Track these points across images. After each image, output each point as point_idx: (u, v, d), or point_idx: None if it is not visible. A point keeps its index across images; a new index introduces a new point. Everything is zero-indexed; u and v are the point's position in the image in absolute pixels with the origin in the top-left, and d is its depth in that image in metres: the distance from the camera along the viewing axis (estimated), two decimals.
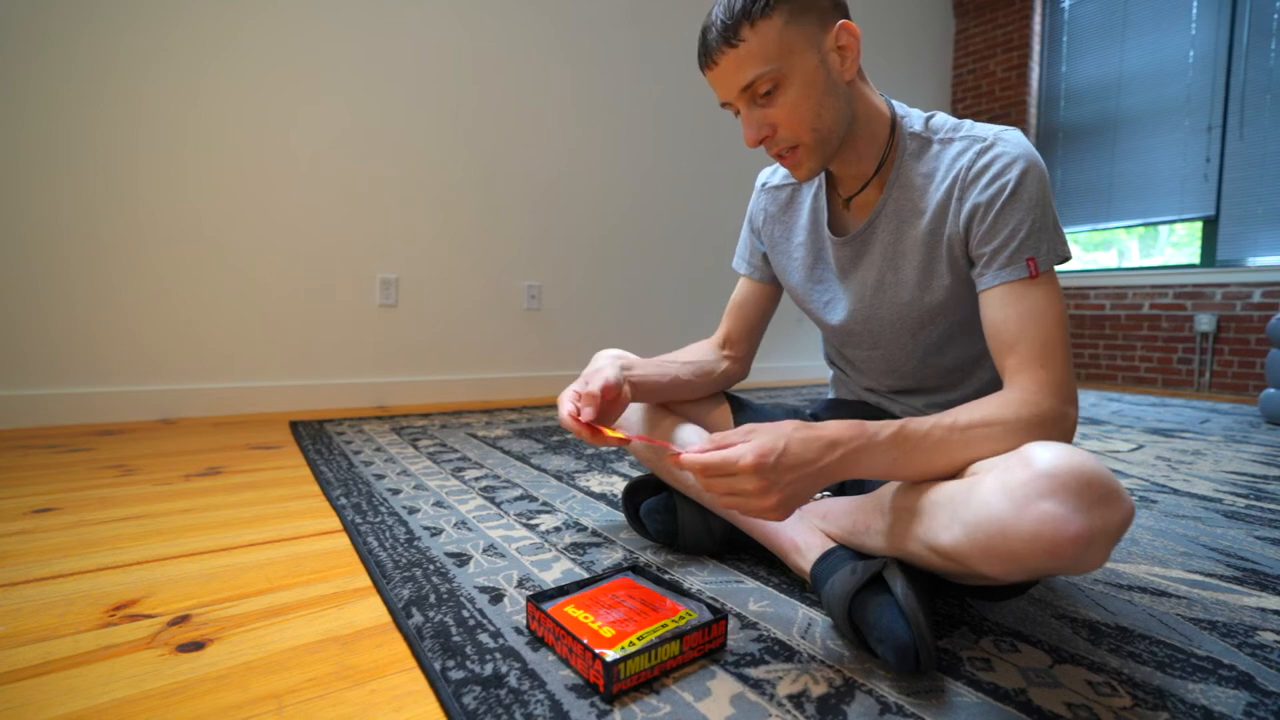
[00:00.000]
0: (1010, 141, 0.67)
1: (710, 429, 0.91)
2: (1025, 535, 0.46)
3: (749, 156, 3.25)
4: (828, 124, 0.69)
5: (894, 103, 0.75)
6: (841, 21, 0.67)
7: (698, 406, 0.92)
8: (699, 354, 0.92)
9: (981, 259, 0.67)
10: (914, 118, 0.74)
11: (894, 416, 0.86)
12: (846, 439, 0.57)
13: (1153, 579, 0.82)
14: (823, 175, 0.82)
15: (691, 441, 0.84)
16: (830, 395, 0.99)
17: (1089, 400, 2.84)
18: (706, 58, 0.68)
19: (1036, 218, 0.64)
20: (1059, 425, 0.60)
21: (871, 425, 0.59)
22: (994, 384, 0.81)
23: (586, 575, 0.79)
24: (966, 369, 0.82)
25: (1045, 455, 0.48)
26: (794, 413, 0.94)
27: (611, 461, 1.43)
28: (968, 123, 0.71)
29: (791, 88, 0.66)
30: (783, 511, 0.57)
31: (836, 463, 0.57)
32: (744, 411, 0.92)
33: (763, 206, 0.90)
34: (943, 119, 0.73)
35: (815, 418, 0.95)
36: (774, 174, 0.90)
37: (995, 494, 0.49)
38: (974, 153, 0.68)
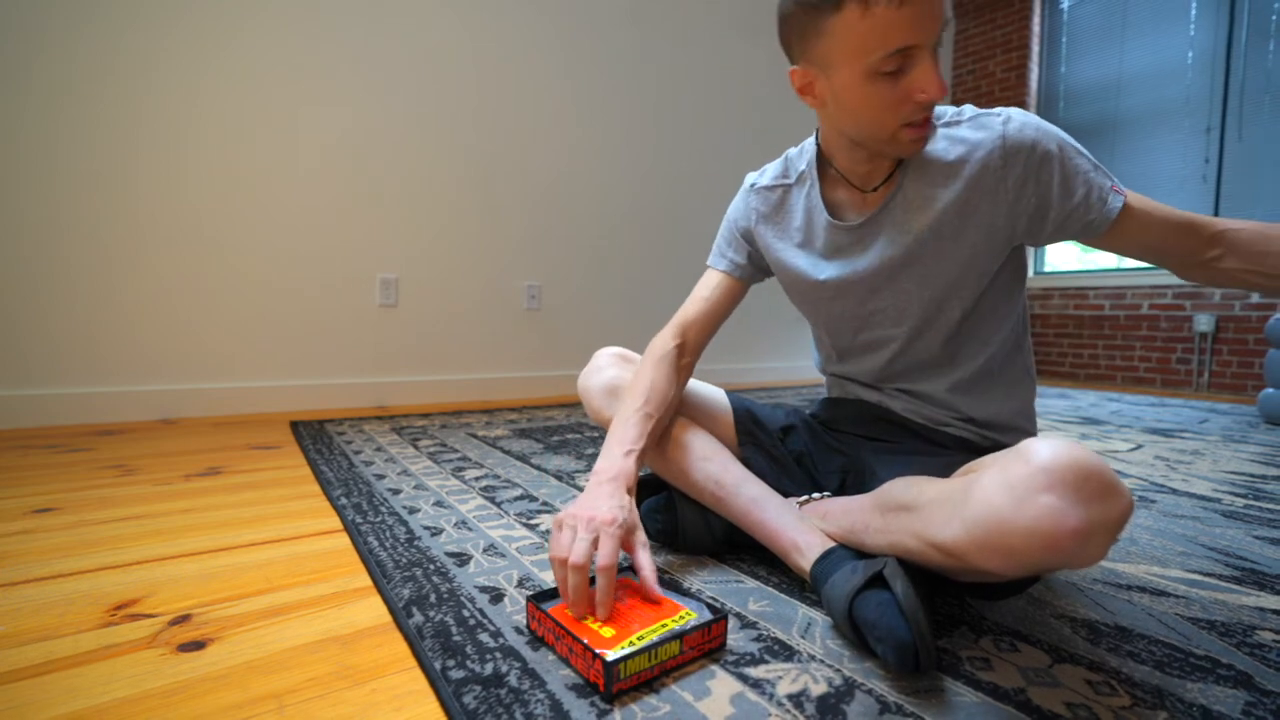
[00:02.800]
0: (1021, 114, 0.70)
1: (712, 430, 0.90)
2: (1024, 529, 0.46)
3: (748, 157, 3.25)
4: None
5: None
6: None
7: (700, 410, 0.92)
8: (665, 365, 0.86)
9: (1074, 213, 0.70)
10: None
11: (895, 415, 0.85)
12: None
13: (1151, 578, 0.82)
14: (815, 168, 0.81)
15: (708, 456, 0.83)
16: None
17: (1088, 400, 2.84)
18: None
19: (1084, 161, 0.69)
20: None
21: None
22: (992, 366, 0.80)
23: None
24: (974, 352, 0.80)
25: (1044, 450, 0.48)
26: (794, 412, 0.94)
27: None
28: (969, 107, 0.73)
29: (940, 46, 0.67)
30: None
31: None
32: (745, 413, 0.92)
33: (754, 206, 0.89)
34: (940, 108, 0.75)
35: (815, 417, 0.95)
36: (762, 175, 0.90)
37: (995, 489, 0.49)
38: (998, 130, 0.70)
